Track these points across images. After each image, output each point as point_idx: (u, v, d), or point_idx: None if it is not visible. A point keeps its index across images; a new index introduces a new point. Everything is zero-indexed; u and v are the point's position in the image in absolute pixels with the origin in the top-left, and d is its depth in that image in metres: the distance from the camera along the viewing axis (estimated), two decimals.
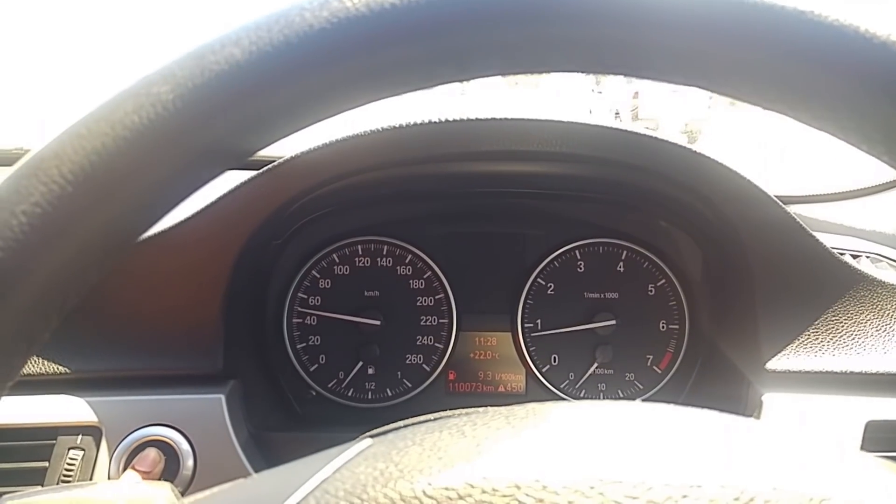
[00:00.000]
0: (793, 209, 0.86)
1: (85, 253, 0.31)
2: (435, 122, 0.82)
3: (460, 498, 0.27)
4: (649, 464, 0.27)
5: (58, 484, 0.75)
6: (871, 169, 1.23)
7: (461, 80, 0.35)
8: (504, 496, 0.26)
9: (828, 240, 0.90)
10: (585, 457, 0.28)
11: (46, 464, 0.75)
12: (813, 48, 0.30)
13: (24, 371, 0.79)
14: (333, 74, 0.32)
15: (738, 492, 0.26)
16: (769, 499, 0.25)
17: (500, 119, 0.82)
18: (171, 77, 0.31)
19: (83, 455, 0.76)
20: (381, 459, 0.31)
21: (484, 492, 0.27)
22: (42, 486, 0.75)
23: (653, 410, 0.32)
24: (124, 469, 0.76)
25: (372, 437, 0.36)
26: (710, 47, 0.31)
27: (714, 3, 0.30)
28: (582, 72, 0.35)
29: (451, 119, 0.82)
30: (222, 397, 0.82)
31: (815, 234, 0.86)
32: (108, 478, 0.76)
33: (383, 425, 0.58)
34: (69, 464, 0.75)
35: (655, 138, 0.83)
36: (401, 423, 0.44)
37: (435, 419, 0.38)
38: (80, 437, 0.77)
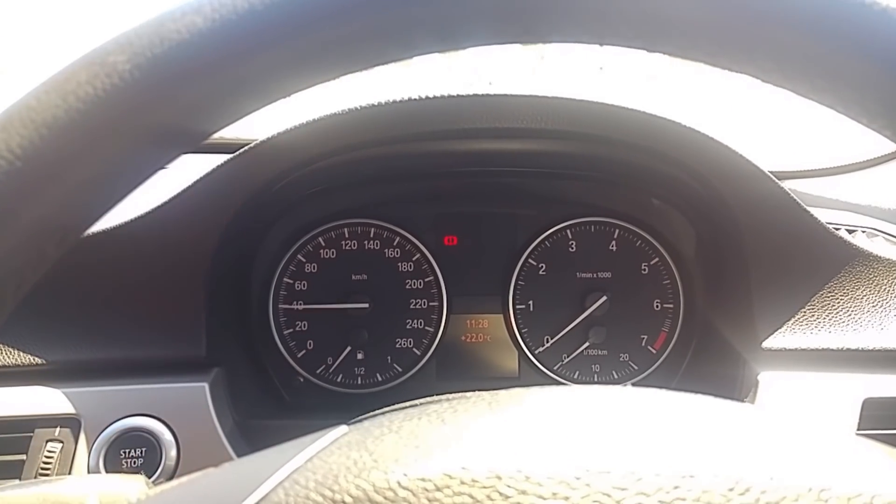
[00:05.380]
0: (787, 184, 0.85)
1: (39, 232, 0.29)
2: (419, 99, 0.79)
3: (437, 489, 0.25)
4: (638, 452, 0.25)
5: (36, 477, 0.73)
6: (869, 142, 1.21)
7: (444, 50, 0.33)
8: (484, 487, 0.24)
9: (823, 215, 0.88)
10: (571, 445, 0.26)
11: (24, 457, 0.73)
12: (808, 16, 0.28)
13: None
14: (301, 44, 0.29)
15: (732, 482, 0.24)
16: (765, 489, 0.24)
17: (484, 95, 0.79)
18: (127, 46, 0.29)
19: (62, 447, 0.74)
20: (356, 448, 0.29)
21: (463, 483, 0.25)
22: (20, 479, 0.73)
23: (642, 395, 0.30)
24: (105, 460, 0.74)
25: (348, 424, 0.34)
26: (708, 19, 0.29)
27: None
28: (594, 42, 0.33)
29: (435, 96, 0.79)
30: (206, 385, 0.79)
31: (810, 209, 0.85)
32: (88, 470, 0.74)
33: (372, 411, 0.57)
34: (47, 456, 0.73)
35: (645, 113, 0.80)
36: (380, 411, 0.42)
37: (415, 405, 0.36)
38: (58, 429, 0.74)
